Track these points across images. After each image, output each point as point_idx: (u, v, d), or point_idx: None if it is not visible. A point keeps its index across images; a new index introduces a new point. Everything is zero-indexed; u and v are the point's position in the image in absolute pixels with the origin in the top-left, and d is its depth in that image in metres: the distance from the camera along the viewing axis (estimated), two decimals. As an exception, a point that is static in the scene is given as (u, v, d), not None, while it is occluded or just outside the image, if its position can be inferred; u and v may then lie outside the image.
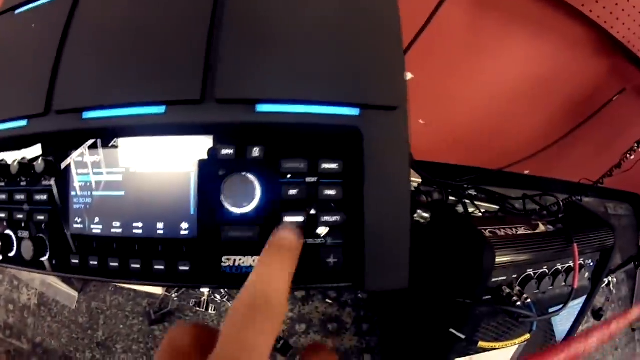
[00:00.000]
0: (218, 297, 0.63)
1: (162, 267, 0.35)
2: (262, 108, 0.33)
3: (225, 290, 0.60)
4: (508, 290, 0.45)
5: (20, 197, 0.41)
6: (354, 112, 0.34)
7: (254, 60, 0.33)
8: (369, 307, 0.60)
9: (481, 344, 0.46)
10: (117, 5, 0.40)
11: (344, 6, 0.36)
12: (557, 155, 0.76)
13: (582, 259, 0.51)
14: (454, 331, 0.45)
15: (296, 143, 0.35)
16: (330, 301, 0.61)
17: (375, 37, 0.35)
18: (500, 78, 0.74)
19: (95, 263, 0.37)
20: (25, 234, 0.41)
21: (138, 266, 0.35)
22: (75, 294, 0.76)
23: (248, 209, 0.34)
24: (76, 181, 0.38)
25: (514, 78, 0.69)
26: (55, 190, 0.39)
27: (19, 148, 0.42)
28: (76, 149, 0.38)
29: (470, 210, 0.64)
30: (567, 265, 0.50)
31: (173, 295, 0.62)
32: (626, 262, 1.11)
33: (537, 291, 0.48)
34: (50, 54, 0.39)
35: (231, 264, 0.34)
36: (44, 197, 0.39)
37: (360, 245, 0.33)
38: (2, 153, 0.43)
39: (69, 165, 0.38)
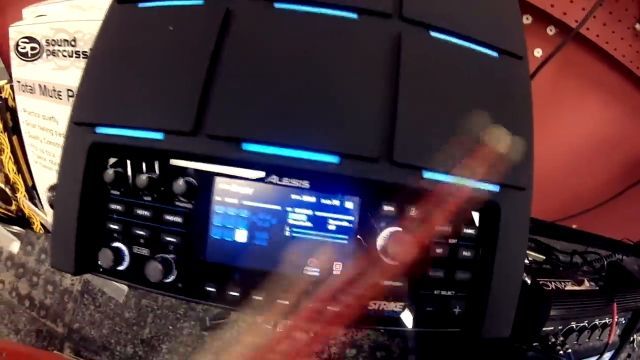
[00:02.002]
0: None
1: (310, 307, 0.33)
2: (428, 175, 0.34)
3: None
4: (553, 340, 0.51)
5: (143, 213, 0.36)
6: (495, 188, 0.36)
7: (428, 131, 0.34)
8: (416, 340, 0.62)
9: None
10: (289, 32, 0.36)
11: (487, 92, 0.38)
12: (604, 213, 0.81)
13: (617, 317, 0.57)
14: None
15: (443, 209, 0.36)
16: (382, 330, 0.62)
17: (512, 121, 0.38)
18: (570, 136, 0.78)
19: (237, 294, 0.34)
20: (144, 251, 0.36)
21: (285, 302, 0.33)
22: (125, 288, 0.66)
23: (402, 261, 0.34)
24: (220, 210, 0.34)
25: (582, 137, 0.74)
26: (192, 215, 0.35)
27: (145, 160, 0.36)
28: (226, 176, 0.34)
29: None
30: (604, 321, 0.57)
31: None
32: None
33: (575, 342, 0.54)
34: (200, 68, 0.35)
35: (376, 308, 0.34)
36: (179, 219, 0.35)
37: (482, 300, 0.36)
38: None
39: (211, 192, 0.34)
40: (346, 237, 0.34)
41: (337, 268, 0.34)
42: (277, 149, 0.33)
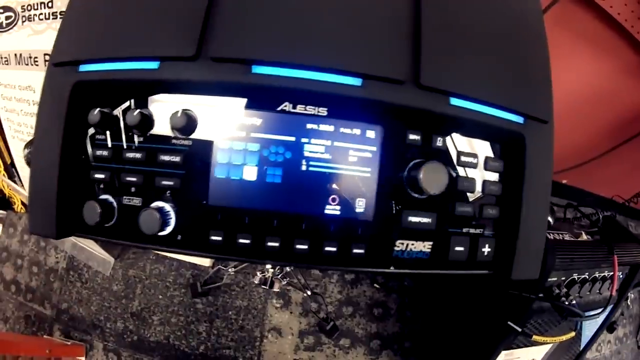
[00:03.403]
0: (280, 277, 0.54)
1: (333, 249, 0.28)
2: (456, 102, 0.29)
3: (287, 269, 0.52)
4: (557, 291, 0.48)
5: (134, 155, 0.29)
6: (519, 119, 0.32)
7: (454, 53, 0.29)
8: (413, 295, 0.58)
9: (535, 337, 0.47)
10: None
11: (506, 28, 0.34)
12: (595, 169, 0.78)
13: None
14: (512, 324, 0.45)
15: (467, 141, 0.31)
16: (377, 286, 0.57)
17: (532, 58, 0.34)
18: (561, 91, 0.73)
19: (248, 242, 0.28)
20: (136, 201, 0.29)
21: (305, 247, 0.28)
22: (111, 259, 0.58)
23: (429, 195, 0.29)
24: (224, 145, 0.28)
25: (572, 92, 0.71)
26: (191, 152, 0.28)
27: (138, 95, 0.29)
28: (226, 106, 0.28)
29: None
30: (603, 274, 0.54)
31: (230, 270, 0.52)
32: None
33: (577, 295, 0.51)
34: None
35: (403, 249, 0.29)
36: (176, 158, 0.29)
37: (511, 238, 0.32)
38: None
39: (211, 124, 0.28)
40: (369, 169, 0.29)
41: (360, 205, 0.28)
42: (292, 71, 0.27)
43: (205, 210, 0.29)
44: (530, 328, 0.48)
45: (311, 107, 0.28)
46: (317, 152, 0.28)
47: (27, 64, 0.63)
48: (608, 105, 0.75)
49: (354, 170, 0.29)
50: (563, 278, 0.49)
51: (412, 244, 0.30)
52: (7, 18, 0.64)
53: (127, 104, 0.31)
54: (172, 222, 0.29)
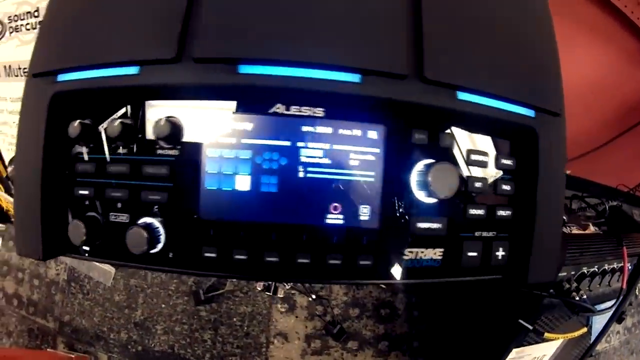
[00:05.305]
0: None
1: (337, 262, 0.24)
2: (464, 96, 0.25)
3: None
4: (568, 286, 0.45)
5: (118, 169, 0.26)
6: (530, 113, 0.28)
7: (458, 45, 0.25)
8: (420, 294, 0.55)
9: (547, 335, 0.44)
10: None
11: (515, 22, 0.30)
12: (598, 159, 0.75)
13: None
14: (523, 322, 0.42)
15: (476, 138, 0.28)
16: (384, 286, 0.54)
17: (540, 48, 0.30)
18: (564, 81, 0.69)
19: (244, 257, 0.24)
20: (123, 217, 0.26)
21: (306, 261, 0.24)
22: (112, 270, 0.55)
23: (439, 199, 0.25)
24: (213, 154, 0.25)
25: (574, 81, 0.67)
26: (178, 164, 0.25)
27: (120, 103, 0.26)
28: (213, 110, 0.24)
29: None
30: (612, 266, 0.52)
31: (230, 277, 0.49)
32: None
33: (587, 288, 0.48)
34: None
35: (413, 257, 0.26)
36: (163, 170, 0.25)
37: (527, 239, 0.28)
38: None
39: (198, 131, 0.25)
40: (372, 173, 0.25)
41: (364, 212, 0.25)
42: (283, 69, 0.23)
43: (196, 224, 0.25)
44: (541, 325, 0.45)
45: (306, 107, 0.25)
46: (315, 157, 0.25)
47: (17, 75, 0.59)
48: (610, 93, 0.71)
49: (357, 175, 0.25)
50: (573, 272, 0.46)
51: (422, 252, 0.27)
52: (-5, 31, 0.61)
53: (113, 113, 0.27)
54: (162, 238, 0.26)
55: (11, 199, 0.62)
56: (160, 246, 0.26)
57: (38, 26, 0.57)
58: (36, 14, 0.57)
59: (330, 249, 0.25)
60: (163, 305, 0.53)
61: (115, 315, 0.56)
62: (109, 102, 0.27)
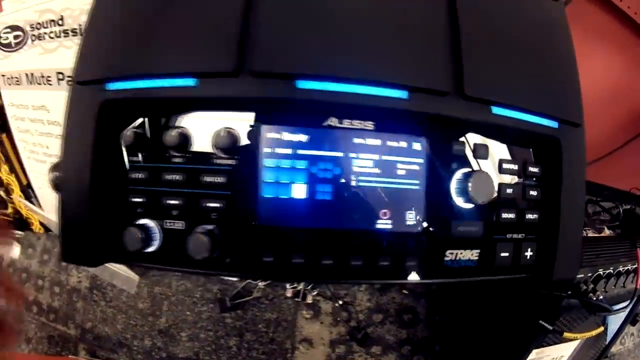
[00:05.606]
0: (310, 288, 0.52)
1: (387, 264, 0.26)
2: (498, 110, 0.28)
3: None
4: (585, 287, 0.47)
5: (174, 177, 0.27)
6: (554, 124, 0.31)
7: (494, 64, 0.28)
8: (441, 299, 0.56)
9: (566, 334, 0.46)
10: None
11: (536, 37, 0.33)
12: (611, 163, 0.75)
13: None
14: (543, 323, 0.44)
15: (506, 148, 0.30)
16: (406, 292, 0.56)
17: (561, 63, 0.33)
18: None
19: (302, 261, 0.26)
20: (179, 224, 0.27)
21: (359, 263, 0.26)
22: (135, 277, 0.54)
23: (476, 204, 0.27)
24: (270, 164, 0.26)
25: (586, 88, 0.69)
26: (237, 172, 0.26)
27: (173, 113, 0.27)
28: (269, 123, 0.26)
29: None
30: (627, 267, 0.54)
31: (260, 283, 0.49)
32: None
33: (603, 289, 0.49)
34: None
35: (453, 258, 0.28)
36: (221, 179, 0.26)
37: (552, 240, 0.31)
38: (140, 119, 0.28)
39: (257, 143, 0.26)
40: (417, 182, 0.27)
41: (410, 217, 0.27)
42: (338, 85, 0.25)
43: (255, 231, 0.26)
44: (560, 325, 0.47)
45: (357, 121, 0.27)
46: (365, 167, 0.27)
47: (40, 83, 0.59)
48: (621, 100, 0.73)
49: (403, 183, 0.27)
50: (589, 274, 0.48)
51: (461, 253, 0.29)
52: (15, 37, 0.61)
53: (161, 122, 0.28)
54: (220, 244, 0.27)
55: (32, 206, 0.62)
56: (218, 252, 0.27)
57: (62, 34, 0.58)
58: (60, 22, 0.57)
59: (380, 251, 0.27)
60: (188, 313, 0.53)
61: (139, 322, 0.55)
62: (162, 111, 0.28)
